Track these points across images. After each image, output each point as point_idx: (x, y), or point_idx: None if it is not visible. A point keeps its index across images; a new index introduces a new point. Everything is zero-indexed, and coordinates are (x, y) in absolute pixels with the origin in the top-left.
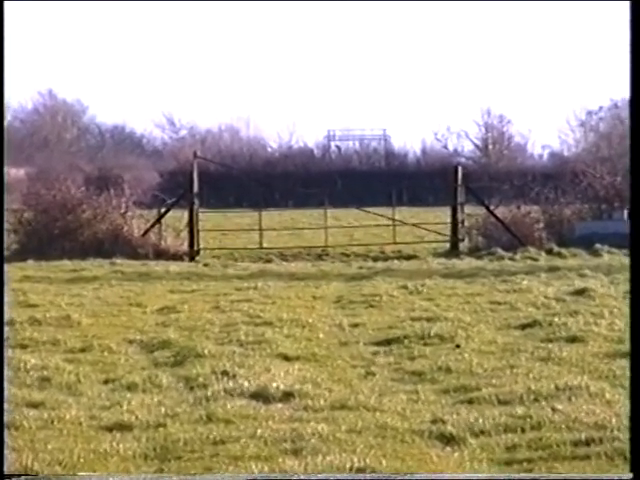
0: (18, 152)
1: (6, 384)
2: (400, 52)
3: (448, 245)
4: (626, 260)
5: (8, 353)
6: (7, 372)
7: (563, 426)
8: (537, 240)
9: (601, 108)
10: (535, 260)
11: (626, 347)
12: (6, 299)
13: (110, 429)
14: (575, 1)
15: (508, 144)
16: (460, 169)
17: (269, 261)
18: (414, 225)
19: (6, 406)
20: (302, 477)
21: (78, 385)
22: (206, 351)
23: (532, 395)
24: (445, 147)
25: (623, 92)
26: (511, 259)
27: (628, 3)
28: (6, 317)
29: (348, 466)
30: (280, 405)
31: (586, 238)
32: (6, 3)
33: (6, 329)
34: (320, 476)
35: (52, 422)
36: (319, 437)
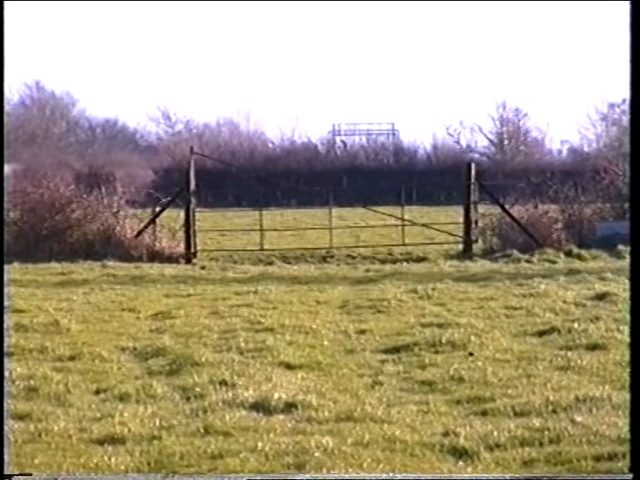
0: None
1: (6, 384)
2: (409, 42)
3: (461, 246)
4: None
5: None
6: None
7: (583, 440)
8: (555, 241)
9: (624, 100)
10: (553, 262)
11: None
12: (6, 301)
13: (101, 442)
14: None
15: (524, 139)
16: (473, 166)
17: (270, 263)
18: (424, 225)
19: (6, 406)
20: (302, 477)
21: (67, 395)
22: (203, 359)
23: (550, 406)
24: (457, 142)
25: None
26: (528, 261)
27: (628, 3)
28: (6, 318)
29: None
30: (282, 416)
31: (608, 239)
32: (6, 3)
33: None
34: (320, 476)
35: (39, 435)
36: (323, 451)
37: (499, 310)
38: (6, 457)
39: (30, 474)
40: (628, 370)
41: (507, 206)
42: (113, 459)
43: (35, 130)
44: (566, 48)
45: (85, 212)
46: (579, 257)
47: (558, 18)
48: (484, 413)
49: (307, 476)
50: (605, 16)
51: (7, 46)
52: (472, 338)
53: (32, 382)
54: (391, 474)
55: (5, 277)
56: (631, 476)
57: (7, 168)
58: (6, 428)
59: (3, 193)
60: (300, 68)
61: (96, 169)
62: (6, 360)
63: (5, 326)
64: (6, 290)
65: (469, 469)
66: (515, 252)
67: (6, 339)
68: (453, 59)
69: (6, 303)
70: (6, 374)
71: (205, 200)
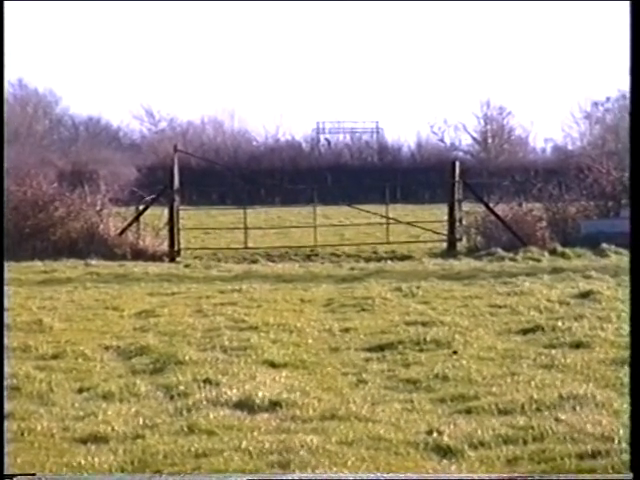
0: None
1: (6, 384)
2: (394, 40)
3: (445, 245)
4: None
5: None
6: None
7: (567, 437)
8: (540, 240)
9: (608, 99)
10: (537, 261)
11: None
12: (6, 300)
13: (84, 441)
14: None
15: (508, 137)
16: (458, 164)
17: (254, 262)
18: (409, 223)
19: (6, 405)
20: (302, 477)
21: (50, 394)
22: (187, 358)
23: (534, 404)
24: (442, 141)
25: None
26: (512, 260)
27: (628, 3)
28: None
29: None
30: (266, 415)
31: (592, 237)
32: (6, 3)
33: None
34: (320, 476)
35: (22, 434)
36: (308, 449)
37: (483, 308)
38: (6, 457)
39: (31, 474)
40: (612, 369)
41: (491, 204)
42: (96, 458)
43: (18, 128)
44: (550, 47)
45: (68, 210)
46: (563, 255)
47: (542, 17)
48: (468, 411)
49: (306, 476)
50: (589, 15)
51: None
52: (456, 336)
53: (15, 381)
54: (378, 474)
55: (5, 277)
56: (631, 476)
57: None
58: (6, 428)
59: (3, 193)
60: (285, 66)
61: (79, 167)
62: (6, 361)
63: (5, 327)
64: (6, 289)
65: (453, 467)
66: (499, 250)
67: (6, 340)
68: (437, 58)
69: (6, 303)
70: (5, 374)
71: (189, 198)
